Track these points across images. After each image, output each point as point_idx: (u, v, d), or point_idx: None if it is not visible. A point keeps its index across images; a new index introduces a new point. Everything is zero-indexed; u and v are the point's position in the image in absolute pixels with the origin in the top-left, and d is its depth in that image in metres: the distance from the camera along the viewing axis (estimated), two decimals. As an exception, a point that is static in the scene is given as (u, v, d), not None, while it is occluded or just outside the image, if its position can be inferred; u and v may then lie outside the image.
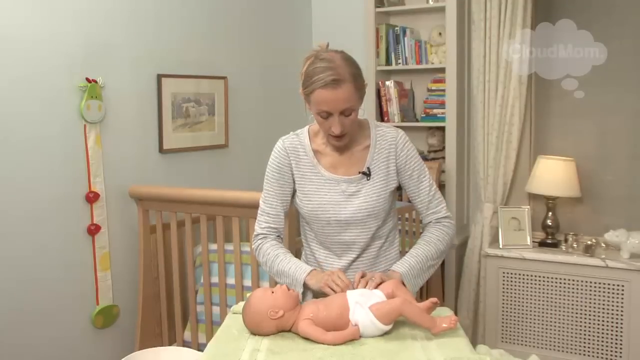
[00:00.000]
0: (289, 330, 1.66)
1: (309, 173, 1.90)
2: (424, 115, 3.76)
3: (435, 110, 3.70)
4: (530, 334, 3.30)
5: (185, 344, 2.90)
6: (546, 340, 3.26)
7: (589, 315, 3.14)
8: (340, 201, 1.86)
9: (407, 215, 3.35)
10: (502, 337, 3.37)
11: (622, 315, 3.06)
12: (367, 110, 3.75)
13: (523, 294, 3.30)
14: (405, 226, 3.34)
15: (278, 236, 1.96)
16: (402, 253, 2.01)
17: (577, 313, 3.17)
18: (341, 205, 1.86)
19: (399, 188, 1.96)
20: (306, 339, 1.61)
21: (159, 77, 3.03)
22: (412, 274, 1.84)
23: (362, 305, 1.62)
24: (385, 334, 1.62)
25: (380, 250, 1.95)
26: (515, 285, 3.32)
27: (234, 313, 1.82)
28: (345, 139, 1.83)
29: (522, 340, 3.32)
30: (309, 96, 1.76)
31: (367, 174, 1.87)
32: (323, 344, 1.57)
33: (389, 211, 1.93)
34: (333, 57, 1.74)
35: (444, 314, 1.73)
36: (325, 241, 1.93)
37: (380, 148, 1.89)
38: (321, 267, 1.95)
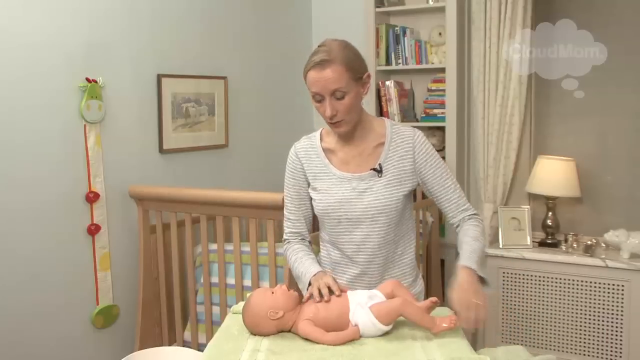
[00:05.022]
0: (289, 331, 1.66)
1: (321, 173, 1.90)
2: (424, 115, 3.76)
3: (435, 110, 3.70)
4: (530, 334, 3.30)
5: (185, 344, 2.90)
6: (546, 340, 3.26)
7: (589, 315, 3.14)
8: (351, 198, 1.85)
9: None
10: (502, 337, 3.37)
11: (622, 315, 3.06)
12: (367, 110, 3.74)
13: (523, 294, 3.30)
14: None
15: (302, 239, 1.98)
16: (417, 256, 1.97)
17: (577, 313, 3.17)
18: (352, 203, 1.84)
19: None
20: (306, 339, 1.61)
21: (159, 77, 3.03)
22: (476, 261, 1.73)
23: (362, 306, 1.62)
24: (385, 334, 1.63)
25: (394, 255, 1.91)
26: (515, 285, 3.31)
27: (234, 313, 1.82)
28: (342, 126, 1.81)
29: (522, 340, 3.32)
30: (306, 82, 1.78)
31: (378, 171, 1.85)
32: (323, 344, 1.57)
33: (402, 213, 1.89)
34: (330, 43, 1.78)
35: (444, 314, 1.73)
36: (336, 241, 1.91)
37: (396, 146, 1.86)
38: (335, 269, 1.95)
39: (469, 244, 1.79)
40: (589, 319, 3.14)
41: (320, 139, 1.94)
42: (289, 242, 1.99)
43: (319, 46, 1.78)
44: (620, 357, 3.08)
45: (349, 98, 1.76)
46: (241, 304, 1.81)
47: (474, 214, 1.90)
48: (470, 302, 1.60)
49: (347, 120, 1.81)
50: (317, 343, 1.58)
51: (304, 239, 1.98)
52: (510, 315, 3.34)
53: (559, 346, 3.23)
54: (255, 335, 1.66)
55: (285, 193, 1.98)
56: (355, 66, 1.77)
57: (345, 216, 1.86)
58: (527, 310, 3.29)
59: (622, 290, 3.05)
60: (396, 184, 1.85)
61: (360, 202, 1.84)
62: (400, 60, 3.73)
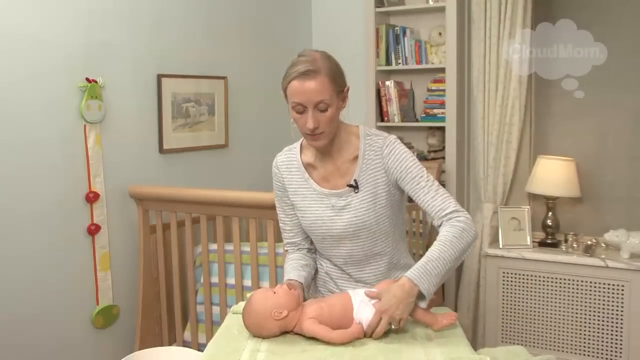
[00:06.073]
0: (291, 331, 1.66)
1: (301, 188, 1.87)
2: (424, 115, 3.76)
3: (435, 110, 3.70)
4: (530, 334, 3.30)
5: (185, 344, 2.90)
6: (546, 340, 3.26)
7: (589, 315, 3.14)
8: (331, 216, 1.82)
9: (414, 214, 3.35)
10: (502, 337, 3.37)
11: (622, 315, 3.06)
12: (367, 110, 3.75)
13: (523, 294, 3.30)
14: (412, 227, 3.34)
15: (299, 249, 1.96)
16: (417, 256, 1.94)
17: (577, 313, 3.17)
18: (332, 220, 1.82)
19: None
20: (306, 339, 1.61)
21: (159, 77, 3.03)
22: (419, 274, 1.63)
23: (367, 303, 1.63)
24: (385, 333, 1.63)
25: (389, 265, 1.87)
26: (515, 285, 3.32)
27: (234, 313, 1.82)
28: (322, 139, 1.75)
29: (522, 340, 3.32)
30: (286, 91, 1.72)
31: (354, 187, 1.80)
32: (329, 342, 1.57)
33: (391, 224, 1.84)
34: (312, 53, 1.74)
35: (444, 311, 1.74)
36: (324, 254, 1.92)
37: (368, 159, 1.81)
38: (331, 278, 1.94)
39: (431, 251, 1.67)
40: (589, 319, 3.14)
41: (301, 152, 1.90)
42: (287, 251, 1.99)
43: (299, 56, 1.73)
44: (620, 357, 3.08)
45: (331, 111, 1.71)
46: (241, 304, 1.81)
47: (455, 216, 1.73)
48: (388, 313, 1.59)
49: (327, 133, 1.75)
50: (320, 342, 1.58)
51: (300, 249, 1.96)
52: (510, 315, 3.34)
53: (559, 346, 3.23)
54: (256, 337, 1.65)
55: (277, 205, 1.96)
56: (338, 79, 1.74)
57: (328, 233, 1.84)
58: (527, 310, 3.29)
59: (622, 290, 3.05)
60: (372, 199, 1.80)
61: (340, 220, 1.81)
62: (400, 60, 3.73)
